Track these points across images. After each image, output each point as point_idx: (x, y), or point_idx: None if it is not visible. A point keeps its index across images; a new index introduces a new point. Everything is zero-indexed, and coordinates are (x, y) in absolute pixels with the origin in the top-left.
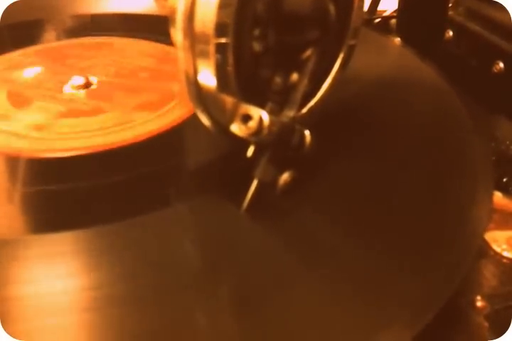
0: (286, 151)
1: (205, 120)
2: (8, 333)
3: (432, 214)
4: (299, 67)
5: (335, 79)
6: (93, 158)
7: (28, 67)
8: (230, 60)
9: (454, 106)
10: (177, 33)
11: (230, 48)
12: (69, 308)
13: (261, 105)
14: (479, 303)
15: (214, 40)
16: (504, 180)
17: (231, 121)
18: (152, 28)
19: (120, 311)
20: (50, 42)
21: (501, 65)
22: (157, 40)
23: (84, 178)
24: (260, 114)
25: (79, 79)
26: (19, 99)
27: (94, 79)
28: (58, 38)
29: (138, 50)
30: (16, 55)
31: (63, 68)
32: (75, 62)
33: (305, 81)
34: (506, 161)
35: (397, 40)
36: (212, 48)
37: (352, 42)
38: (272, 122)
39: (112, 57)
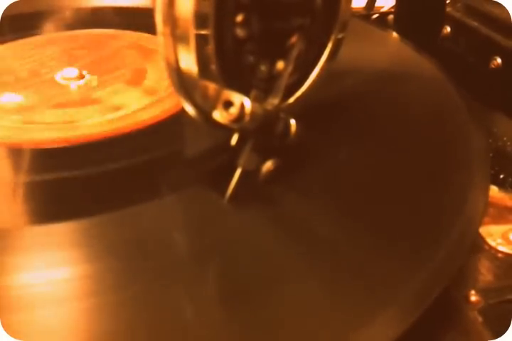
0: (270, 140)
1: (188, 107)
2: (3, 324)
3: (425, 206)
4: (285, 55)
5: (322, 70)
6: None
7: (28, 55)
8: (212, 47)
9: (452, 100)
10: (157, 19)
11: (211, 37)
12: (60, 298)
13: (246, 92)
14: (473, 298)
15: (194, 30)
16: (501, 176)
17: (213, 108)
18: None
19: (111, 300)
20: (52, 33)
21: (499, 60)
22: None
23: (70, 170)
24: (242, 100)
25: (72, 71)
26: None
27: (86, 72)
28: (59, 30)
29: (140, 43)
30: (19, 44)
31: (61, 58)
32: (74, 54)
33: (290, 68)
34: (503, 158)
35: (395, 34)
36: (192, 37)
37: (340, 35)
38: (254, 109)
39: (113, 51)
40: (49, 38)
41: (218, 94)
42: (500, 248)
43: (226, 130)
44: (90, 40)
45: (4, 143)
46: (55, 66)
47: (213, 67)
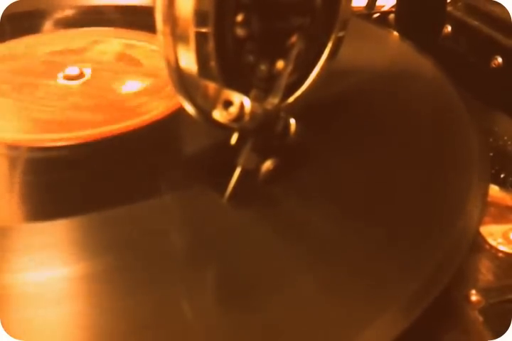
0: (270, 139)
1: (187, 106)
2: (3, 323)
3: (425, 205)
4: (285, 55)
5: (323, 69)
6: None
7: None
8: (211, 46)
9: (451, 100)
10: (157, 19)
11: (211, 36)
12: (59, 298)
13: (245, 92)
14: (474, 297)
15: (194, 29)
16: (502, 175)
17: (213, 107)
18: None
19: (110, 300)
20: (52, 32)
21: (500, 59)
22: None
23: (70, 169)
24: (241, 100)
25: (73, 70)
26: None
27: (88, 71)
28: (59, 29)
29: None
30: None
31: (63, 58)
32: (77, 53)
33: (290, 67)
34: (504, 157)
35: (396, 34)
36: (192, 36)
37: (340, 34)
38: (253, 108)
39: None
40: (49, 37)
41: (218, 94)
42: (501, 247)
43: (226, 129)
44: (90, 39)
45: (4, 142)
46: (55, 65)
47: (213, 66)
